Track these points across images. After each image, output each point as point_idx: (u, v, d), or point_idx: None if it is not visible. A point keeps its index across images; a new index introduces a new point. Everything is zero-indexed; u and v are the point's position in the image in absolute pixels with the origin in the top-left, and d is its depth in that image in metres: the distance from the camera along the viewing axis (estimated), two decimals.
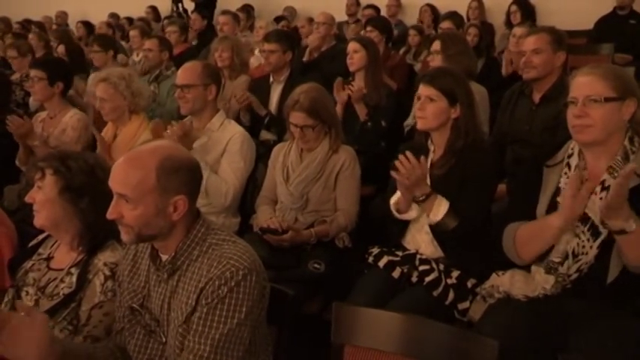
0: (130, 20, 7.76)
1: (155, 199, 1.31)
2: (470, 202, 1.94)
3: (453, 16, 4.90)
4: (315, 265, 2.20)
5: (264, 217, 2.39)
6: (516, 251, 1.73)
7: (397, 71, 4.22)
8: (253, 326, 1.36)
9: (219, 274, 1.31)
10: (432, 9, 6.13)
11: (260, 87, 3.59)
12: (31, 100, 3.99)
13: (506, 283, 1.78)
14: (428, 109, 2.01)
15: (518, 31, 4.00)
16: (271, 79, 3.59)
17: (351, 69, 3.27)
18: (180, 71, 2.66)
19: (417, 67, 4.69)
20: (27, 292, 1.64)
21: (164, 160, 1.33)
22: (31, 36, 5.58)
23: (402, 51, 5.17)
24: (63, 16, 8.32)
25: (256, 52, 4.63)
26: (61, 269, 1.63)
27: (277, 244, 2.24)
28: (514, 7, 5.54)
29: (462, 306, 1.91)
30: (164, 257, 1.40)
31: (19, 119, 2.86)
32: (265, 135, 3.40)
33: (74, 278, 1.58)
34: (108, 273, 1.57)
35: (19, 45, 4.67)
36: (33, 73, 3.08)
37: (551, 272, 1.67)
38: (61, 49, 4.77)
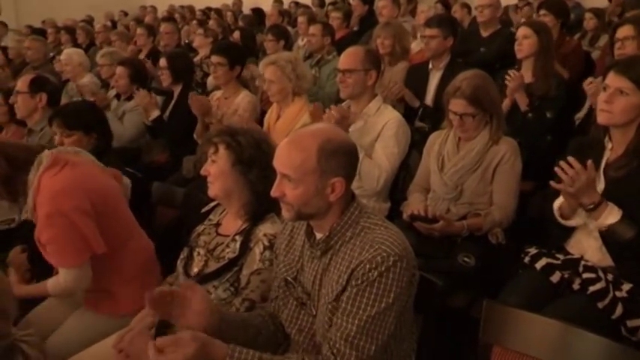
0: (297, 4, 8.15)
1: (315, 180, 1.37)
2: None
3: None
4: (465, 259, 2.13)
5: (415, 204, 2.37)
6: None
7: (571, 59, 3.85)
8: (400, 312, 1.37)
9: (370, 257, 1.33)
10: None
11: (418, 73, 3.54)
12: (208, 80, 4.42)
13: None
14: (616, 103, 1.78)
15: None
16: (430, 65, 3.52)
17: (519, 56, 3.05)
18: (342, 56, 2.72)
19: (595, 54, 4.23)
20: (198, 253, 1.83)
21: (324, 142, 1.37)
22: (210, 22, 6.16)
23: (576, 36, 4.69)
24: (238, 3, 9.05)
25: (418, 36, 4.56)
26: (228, 235, 1.79)
27: (427, 232, 2.21)
28: None
29: (632, 323, 1.71)
30: (318, 235, 1.46)
31: (201, 98, 3.18)
32: (419, 124, 3.35)
33: (238, 245, 1.73)
34: (267, 243, 1.69)
35: (206, 27, 5.20)
36: (214, 59, 3.36)
37: None
38: (236, 34, 5.19)
